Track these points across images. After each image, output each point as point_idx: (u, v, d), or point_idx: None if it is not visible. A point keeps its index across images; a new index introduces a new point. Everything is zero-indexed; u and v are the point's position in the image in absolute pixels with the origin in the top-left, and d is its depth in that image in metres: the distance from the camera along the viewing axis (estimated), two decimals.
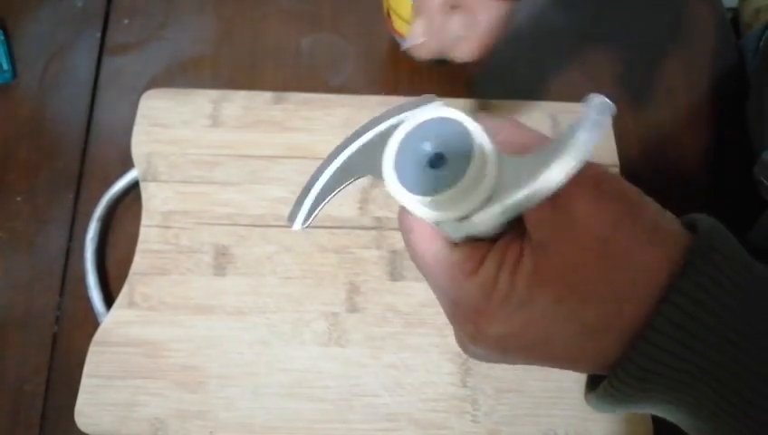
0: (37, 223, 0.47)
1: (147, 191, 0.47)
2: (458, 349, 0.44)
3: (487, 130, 0.22)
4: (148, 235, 0.46)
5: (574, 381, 0.42)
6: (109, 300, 0.45)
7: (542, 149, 0.20)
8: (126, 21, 0.55)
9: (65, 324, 0.45)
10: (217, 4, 0.56)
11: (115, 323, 0.43)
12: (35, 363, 0.44)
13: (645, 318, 0.21)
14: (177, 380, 0.42)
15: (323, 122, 0.48)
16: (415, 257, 0.25)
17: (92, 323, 0.44)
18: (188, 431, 0.41)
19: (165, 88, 0.51)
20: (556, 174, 0.18)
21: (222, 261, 0.45)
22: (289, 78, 0.53)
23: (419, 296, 0.44)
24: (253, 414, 0.41)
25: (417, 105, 0.23)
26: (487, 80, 0.52)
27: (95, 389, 0.41)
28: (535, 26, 0.55)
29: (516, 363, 0.24)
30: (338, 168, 0.23)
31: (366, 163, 0.22)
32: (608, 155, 0.49)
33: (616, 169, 0.48)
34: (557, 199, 0.21)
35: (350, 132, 0.24)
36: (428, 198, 0.20)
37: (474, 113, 0.23)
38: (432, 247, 0.24)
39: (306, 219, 0.22)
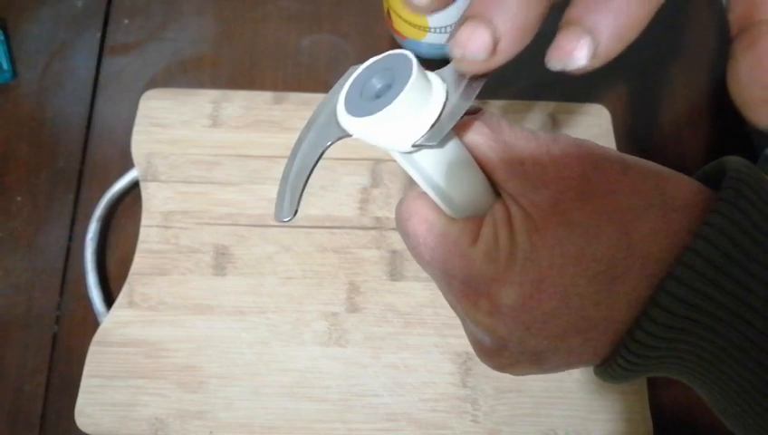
0: (37, 223, 0.47)
1: (147, 191, 0.47)
2: (458, 349, 0.45)
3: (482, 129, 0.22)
4: (148, 235, 0.46)
5: (574, 381, 0.42)
6: (109, 300, 0.45)
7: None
8: (126, 21, 0.55)
9: (65, 324, 0.45)
10: (217, 4, 0.56)
11: (115, 323, 0.43)
12: (35, 363, 0.44)
13: (667, 256, 0.20)
14: (177, 380, 0.42)
15: None
16: (417, 246, 0.24)
17: (92, 323, 0.44)
18: (188, 431, 0.41)
19: (165, 88, 0.51)
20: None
21: (222, 261, 0.45)
22: (289, 78, 0.53)
23: (419, 296, 0.44)
24: (253, 414, 0.41)
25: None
26: (487, 80, 0.52)
27: (95, 389, 0.41)
28: None
29: (542, 349, 0.23)
30: (306, 146, 0.23)
31: (329, 130, 0.22)
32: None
33: None
34: (521, 155, 0.22)
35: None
36: (374, 115, 0.20)
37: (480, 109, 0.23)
38: (433, 228, 0.24)
39: (292, 207, 0.22)
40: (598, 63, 0.19)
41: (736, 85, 0.19)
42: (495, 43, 0.19)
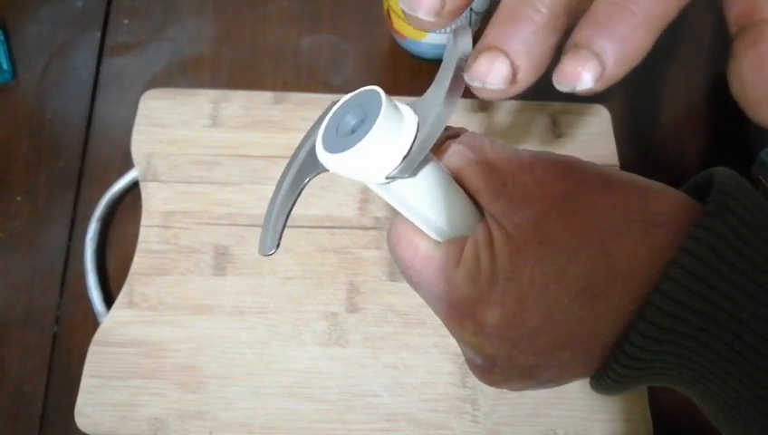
0: (37, 223, 0.47)
1: (147, 191, 0.47)
2: (458, 349, 0.44)
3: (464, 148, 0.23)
4: (148, 235, 0.46)
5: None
6: (109, 300, 0.45)
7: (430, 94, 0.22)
8: (126, 21, 0.55)
9: (65, 324, 0.45)
10: (217, 4, 0.56)
11: (115, 323, 0.43)
12: (35, 363, 0.44)
13: (650, 271, 0.20)
14: (177, 380, 0.42)
15: None
16: (406, 270, 0.25)
17: (92, 323, 0.44)
18: (188, 431, 0.41)
19: (165, 88, 0.51)
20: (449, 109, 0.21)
21: (222, 261, 0.45)
22: (289, 78, 0.53)
23: (419, 297, 0.44)
24: (253, 414, 0.41)
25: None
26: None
27: (95, 389, 0.41)
28: None
29: (532, 364, 0.23)
30: (287, 183, 0.24)
31: (308, 166, 0.23)
32: (608, 155, 0.49)
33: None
34: (503, 175, 0.22)
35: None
36: (348, 151, 0.21)
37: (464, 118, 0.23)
38: (419, 252, 0.24)
39: (273, 242, 0.23)
40: (602, 87, 0.20)
41: (739, 85, 0.19)
42: (515, 74, 0.20)
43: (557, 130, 0.50)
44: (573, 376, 0.24)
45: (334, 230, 0.46)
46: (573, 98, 0.51)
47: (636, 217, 0.21)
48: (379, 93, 0.21)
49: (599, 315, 0.21)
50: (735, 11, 0.20)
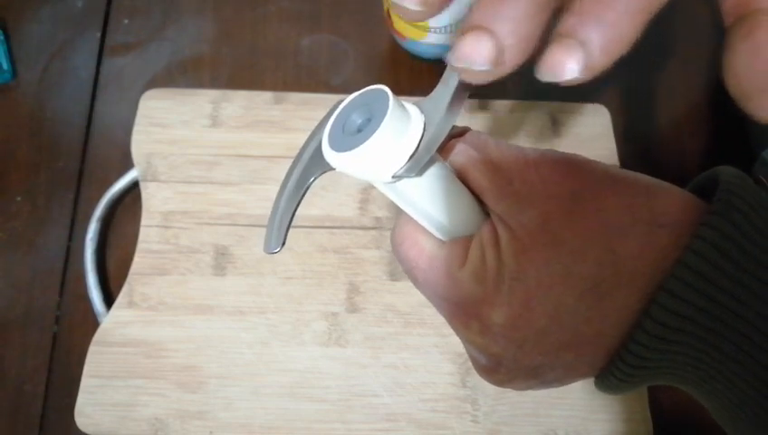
0: (37, 223, 0.47)
1: (147, 191, 0.47)
2: (458, 349, 0.45)
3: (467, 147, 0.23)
4: (148, 235, 0.46)
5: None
6: (109, 300, 0.45)
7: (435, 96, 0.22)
8: (126, 21, 0.55)
9: (65, 324, 0.45)
10: (217, 4, 0.56)
11: (115, 323, 0.43)
12: (35, 363, 0.44)
13: (655, 272, 0.20)
14: (177, 380, 0.42)
15: None
16: (411, 269, 0.25)
17: (92, 323, 0.44)
18: (188, 431, 0.41)
19: (165, 88, 0.51)
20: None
21: (222, 261, 0.45)
22: (289, 78, 0.53)
23: (419, 296, 0.44)
24: (253, 414, 0.41)
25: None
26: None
27: (95, 389, 0.41)
28: None
29: (537, 365, 0.23)
30: (293, 181, 0.24)
31: (314, 165, 0.23)
32: (608, 155, 0.49)
33: None
34: (509, 175, 0.22)
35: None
36: (354, 150, 0.21)
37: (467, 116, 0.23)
38: (424, 252, 0.24)
39: (279, 240, 0.23)
40: (588, 76, 0.19)
41: (734, 76, 0.19)
42: (500, 54, 0.19)
43: (557, 130, 0.50)
44: (578, 376, 0.24)
45: (334, 230, 0.46)
46: (573, 97, 0.51)
47: (642, 217, 0.21)
48: (386, 92, 0.21)
49: (605, 315, 0.21)
50: (730, 1, 0.20)
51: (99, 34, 0.54)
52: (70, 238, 0.47)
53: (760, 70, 0.19)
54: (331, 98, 0.50)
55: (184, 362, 0.42)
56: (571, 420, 0.41)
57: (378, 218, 0.47)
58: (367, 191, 0.47)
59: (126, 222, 0.48)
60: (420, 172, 0.22)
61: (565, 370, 0.23)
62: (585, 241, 0.21)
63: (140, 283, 0.44)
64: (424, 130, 0.21)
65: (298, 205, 0.23)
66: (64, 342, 0.44)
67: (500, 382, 0.25)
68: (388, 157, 0.21)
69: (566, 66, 0.18)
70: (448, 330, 0.43)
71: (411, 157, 0.21)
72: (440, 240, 0.25)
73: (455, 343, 0.43)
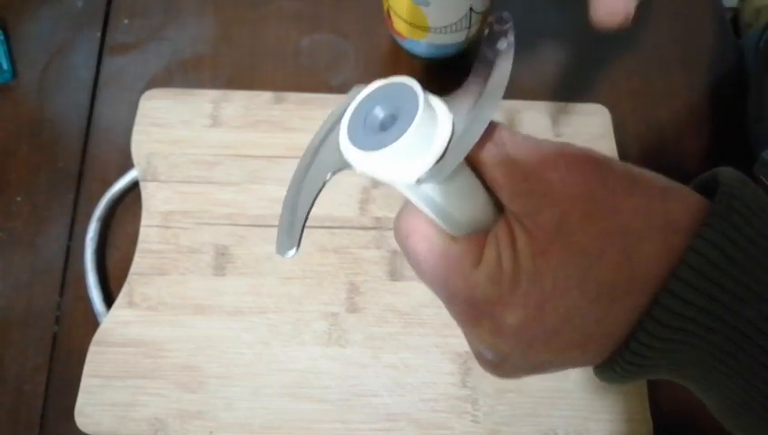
0: (37, 223, 0.47)
1: (146, 191, 0.47)
2: (459, 349, 0.45)
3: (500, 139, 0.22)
4: (148, 235, 0.46)
5: (574, 381, 0.42)
6: (109, 300, 0.45)
7: (469, 90, 0.21)
8: (126, 21, 0.55)
9: (65, 324, 0.45)
10: (217, 4, 0.56)
11: (115, 323, 0.43)
12: (35, 363, 0.44)
13: (665, 272, 0.20)
14: (177, 380, 0.42)
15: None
16: (418, 264, 0.24)
17: (92, 323, 0.44)
18: (188, 431, 0.41)
19: (165, 88, 0.51)
20: (490, 112, 0.20)
21: (222, 261, 0.45)
22: (289, 78, 0.53)
23: (419, 296, 0.44)
24: (253, 414, 0.41)
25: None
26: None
27: (95, 389, 0.41)
28: (535, 26, 0.55)
29: (543, 360, 0.23)
30: (309, 176, 0.22)
31: (330, 160, 0.22)
32: (608, 155, 0.49)
33: None
34: (525, 170, 0.21)
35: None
36: (380, 151, 0.20)
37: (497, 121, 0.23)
38: (434, 247, 0.24)
39: (294, 242, 0.22)
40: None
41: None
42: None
43: (557, 130, 0.50)
44: (579, 367, 0.24)
45: (334, 230, 0.46)
46: (573, 97, 0.51)
47: (657, 222, 0.21)
48: (414, 89, 0.20)
49: (615, 317, 0.21)
50: None
51: (99, 34, 0.54)
52: (70, 238, 0.47)
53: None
54: (332, 98, 0.50)
55: (184, 362, 0.42)
56: (571, 420, 0.41)
57: (378, 218, 0.46)
58: (367, 191, 0.47)
59: (126, 222, 0.48)
60: (447, 178, 0.21)
61: (567, 363, 0.23)
62: (602, 244, 0.21)
63: (140, 283, 0.44)
64: (452, 131, 0.20)
65: (313, 203, 0.22)
66: (64, 342, 0.44)
67: (502, 375, 0.25)
68: (415, 160, 0.20)
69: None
70: (448, 330, 0.44)
71: (439, 160, 0.20)
72: (450, 235, 0.24)
73: (455, 343, 0.43)
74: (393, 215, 0.46)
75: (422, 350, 0.43)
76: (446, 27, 0.47)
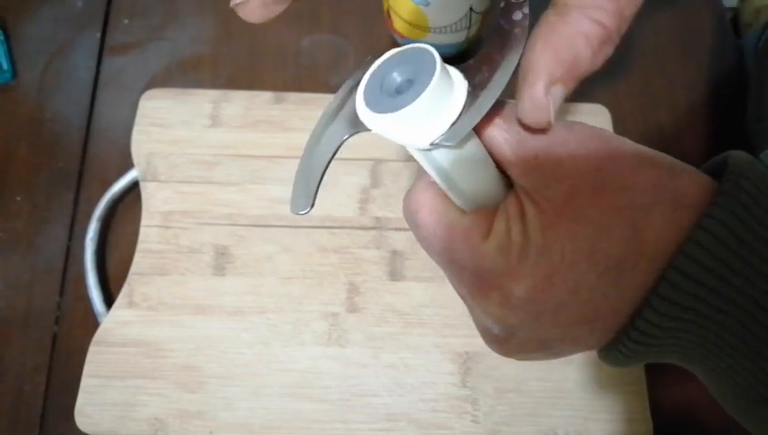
0: (37, 223, 0.47)
1: (146, 191, 0.47)
2: (458, 349, 0.45)
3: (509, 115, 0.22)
4: (148, 235, 0.46)
5: (574, 381, 0.42)
6: (109, 300, 0.45)
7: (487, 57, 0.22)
8: (126, 21, 0.55)
9: (65, 324, 0.45)
10: (217, 4, 0.56)
11: (115, 323, 0.43)
12: (35, 363, 0.44)
13: (673, 247, 0.20)
14: (177, 380, 0.42)
15: None
16: (427, 238, 0.24)
17: (92, 323, 0.44)
18: (188, 431, 0.41)
19: (165, 88, 0.51)
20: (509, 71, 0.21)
21: (222, 261, 0.45)
22: (289, 78, 0.53)
23: (419, 296, 0.44)
24: (253, 414, 0.41)
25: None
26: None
27: (95, 389, 0.41)
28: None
29: (549, 337, 0.23)
30: (324, 138, 0.23)
31: (347, 122, 0.22)
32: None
33: None
34: (535, 146, 0.22)
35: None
36: (395, 113, 0.20)
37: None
38: (443, 219, 0.24)
39: (308, 200, 0.22)
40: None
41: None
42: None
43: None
44: (584, 348, 0.24)
45: (334, 230, 0.46)
46: (573, 98, 0.51)
47: (666, 197, 0.21)
48: (432, 54, 0.20)
49: (622, 292, 0.21)
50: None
51: (99, 34, 0.54)
52: (70, 238, 0.47)
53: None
54: (331, 98, 0.50)
55: (184, 362, 0.42)
56: (571, 420, 0.41)
57: (378, 218, 0.47)
58: (367, 191, 0.47)
59: (126, 222, 0.48)
60: (460, 143, 0.21)
61: (573, 342, 0.23)
62: (611, 218, 0.21)
63: (140, 283, 0.44)
64: (467, 97, 0.21)
65: (329, 163, 0.22)
66: (64, 342, 0.44)
67: (507, 352, 0.25)
68: (430, 123, 0.20)
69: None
70: (448, 330, 0.44)
71: (452, 125, 0.20)
72: (460, 209, 0.24)
73: (455, 343, 0.43)
74: (393, 215, 0.46)
75: (422, 350, 0.43)
76: (446, 27, 0.47)
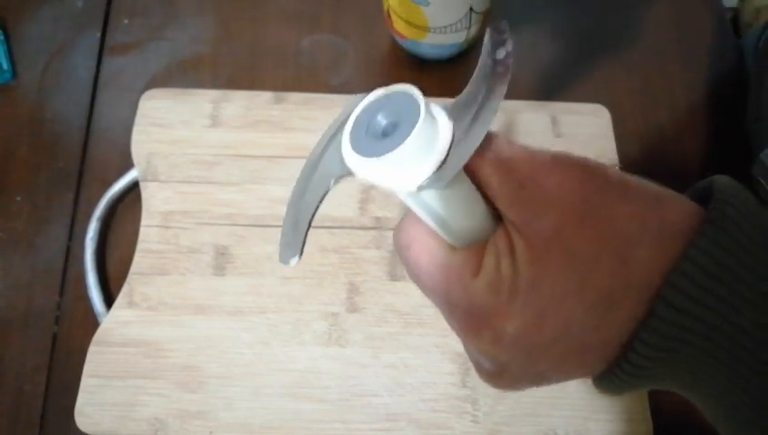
0: (37, 223, 0.47)
1: (146, 191, 0.47)
2: (458, 349, 0.45)
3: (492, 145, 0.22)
4: (148, 235, 0.46)
5: (574, 381, 0.42)
6: (109, 300, 0.45)
7: (466, 101, 0.22)
8: (126, 21, 0.55)
9: (65, 324, 0.45)
10: (217, 4, 0.56)
11: (115, 323, 0.43)
12: (35, 363, 0.44)
13: (659, 278, 0.20)
14: (177, 380, 0.42)
15: (323, 122, 0.48)
16: (419, 275, 0.24)
17: (92, 323, 0.44)
18: (188, 431, 0.41)
19: (165, 88, 0.51)
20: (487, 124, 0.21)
21: (222, 261, 0.45)
22: (289, 78, 0.53)
23: (419, 297, 0.44)
24: (253, 414, 0.41)
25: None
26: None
27: (95, 389, 0.41)
28: (535, 26, 0.55)
29: (542, 371, 0.23)
30: (311, 183, 0.23)
31: (332, 167, 0.22)
32: (608, 155, 0.49)
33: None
34: (521, 178, 0.22)
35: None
36: (381, 158, 0.20)
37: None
38: (435, 259, 0.24)
39: (296, 250, 0.22)
40: None
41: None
42: None
43: (557, 130, 0.50)
44: (578, 377, 0.24)
45: (334, 230, 0.46)
46: (573, 97, 0.51)
47: (652, 227, 0.21)
48: (415, 97, 0.20)
49: (612, 324, 0.21)
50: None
51: (99, 34, 0.54)
52: (70, 238, 0.47)
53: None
54: (331, 98, 0.50)
55: (184, 362, 0.42)
56: (571, 420, 0.41)
57: (378, 218, 0.47)
58: (367, 191, 0.47)
59: (126, 222, 0.48)
60: (447, 184, 0.21)
61: (566, 374, 0.24)
62: (598, 250, 0.21)
63: (140, 283, 0.44)
64: (452, 138, 0.21)
65: (315, 211, 0.22)
66: (64, 342, 0.44)
67: (500, 386, 0.25)
68: (416, 167, 0.20)
69: None
70: (448, 330, 0.43)
71: (439, 168, 0.20)
72: (450, 246, 0.24)
73: (455, 343, 0.43)
74: (393, 215, 0.46)
75: (422, 350, 0.43)
76: (446, 27, 0.47)
